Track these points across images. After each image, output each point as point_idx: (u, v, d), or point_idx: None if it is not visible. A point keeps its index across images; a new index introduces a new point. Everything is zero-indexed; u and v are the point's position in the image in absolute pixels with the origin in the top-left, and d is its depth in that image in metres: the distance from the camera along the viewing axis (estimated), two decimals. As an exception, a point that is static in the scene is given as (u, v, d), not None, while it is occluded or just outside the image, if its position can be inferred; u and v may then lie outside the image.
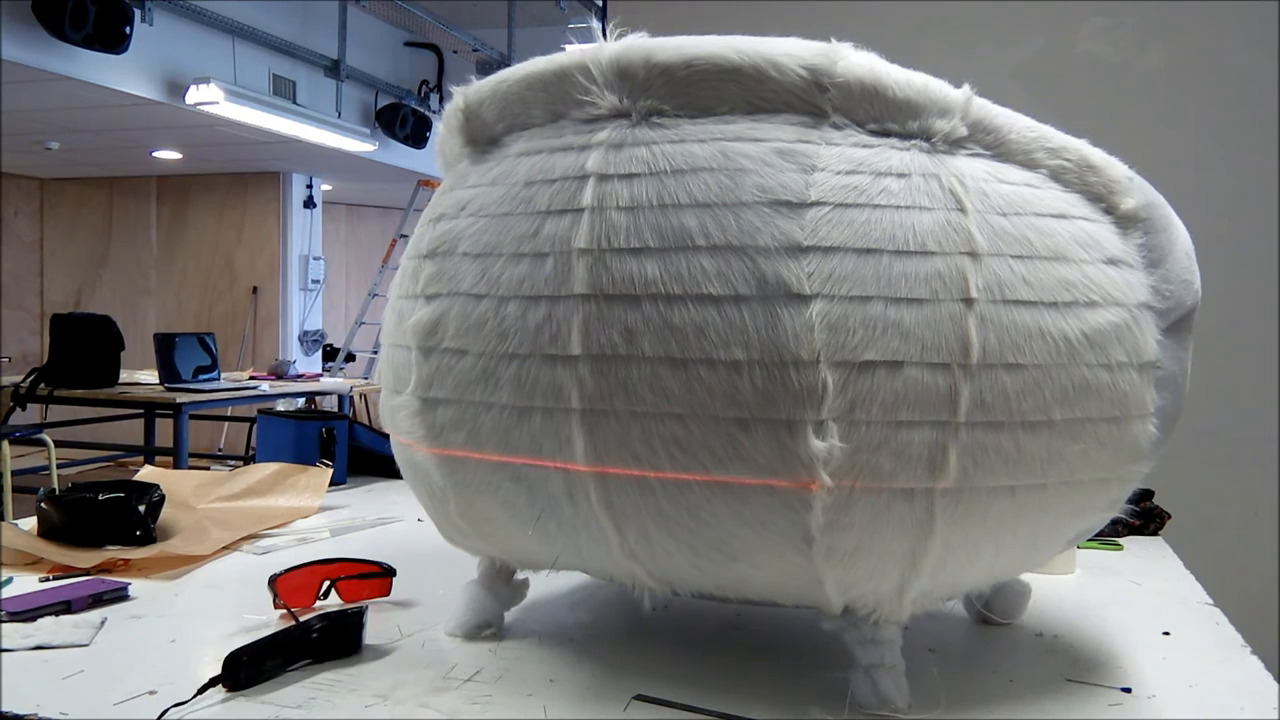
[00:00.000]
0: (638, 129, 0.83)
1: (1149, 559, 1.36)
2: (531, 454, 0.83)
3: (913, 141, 0.81)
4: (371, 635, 0.96)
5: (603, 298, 0.79)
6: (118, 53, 4.96)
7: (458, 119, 0.96)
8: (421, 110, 7.34)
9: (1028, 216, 0.80)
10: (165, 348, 5.13)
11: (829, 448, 0.74)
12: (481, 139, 0.95)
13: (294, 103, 6.46)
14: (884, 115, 0.81)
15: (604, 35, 0.87)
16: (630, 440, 0.78)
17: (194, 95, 5.60)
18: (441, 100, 7.65)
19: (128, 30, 4.94)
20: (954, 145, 0.81)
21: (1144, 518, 1.49)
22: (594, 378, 0.79)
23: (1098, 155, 0.86)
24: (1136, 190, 0.86)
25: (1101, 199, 0.85)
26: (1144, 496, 1.50)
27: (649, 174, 0.81)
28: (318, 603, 1.06)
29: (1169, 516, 1.50)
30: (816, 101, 0.81)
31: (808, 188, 0.77)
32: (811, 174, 0.78)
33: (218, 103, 5.63)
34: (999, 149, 0.83)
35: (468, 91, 0.95)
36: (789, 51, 0.81)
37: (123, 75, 5.28)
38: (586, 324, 0.79)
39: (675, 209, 0.79)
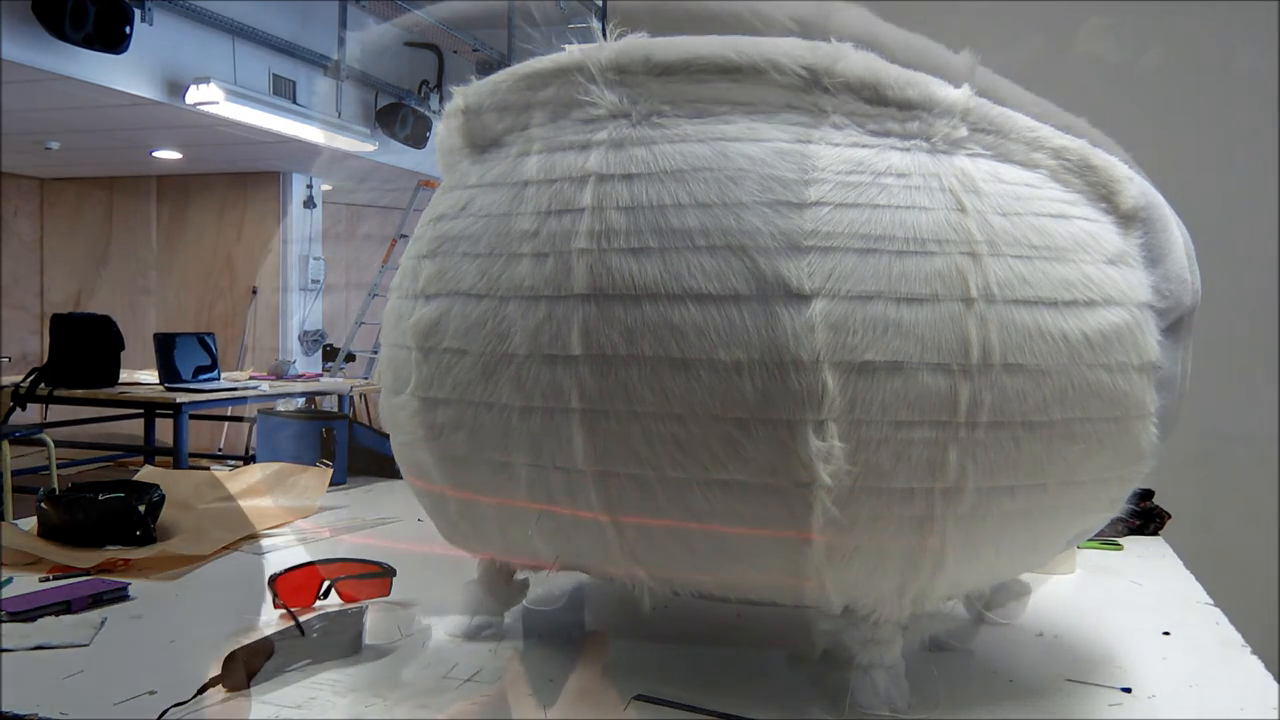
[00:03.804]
0: (638, 129, 0.83)
1: (1149, 559, 1.36)
2: (532, 454, 0.83)
3: (912, 141, 0.81)
4: (371, 635, 0.95)
5: (603, 298, 0.79)
6: (118, 52, 4.95)
7: (458, 119, 0.95)
8: (421, 110, 7.33)
9: (1028, 216, 0.80)
10: (165, 348, 5.12)
11: (829, 448, 0.74)
12: (481, 139, 0.95)
13: (294, 102, 6.45)
14: (884, 115, 0.81)
15: (604, 35, 0.87)
16: (630, 440, 0.78)
17: (194, 95, 5.60)
18: (441, 100, 7.63)
19: (128, 30, 4.93)
20: (954, 145, 0.81)
21: (1144, 518, 1.49)
22: (594, 378, 0.79)
23: (1098, 155, 0.86)
24: (1137, 189, 0.86)
25: (1102, 198, 0.85)
26: (1144, 496, 1.50)
27: (649, 174, 0.81)
28: (318, 603, 1.06)
29: (1169, 516, 1.50)
30: (816, 101, 0.81)
31: (808, 188, 0.77)
32: (811, 174, 0.78)
33: (218, 102, 5.62)
34: (999, 149, 0.83)
35: (468, 91, 0.95)
36: (789, 51, 0.81)
37: (123, 75, 5.27)
38: (586, 324, 0.79)
39: (675, 209, 0.79)
